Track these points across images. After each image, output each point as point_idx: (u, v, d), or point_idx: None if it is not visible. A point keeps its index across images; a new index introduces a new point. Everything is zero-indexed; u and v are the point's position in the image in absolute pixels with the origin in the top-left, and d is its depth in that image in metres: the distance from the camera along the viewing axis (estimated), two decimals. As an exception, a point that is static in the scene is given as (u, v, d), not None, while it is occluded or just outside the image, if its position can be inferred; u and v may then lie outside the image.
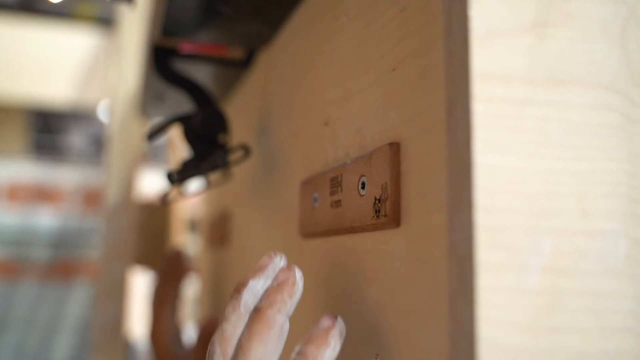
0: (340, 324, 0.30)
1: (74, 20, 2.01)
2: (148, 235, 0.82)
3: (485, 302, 0.23)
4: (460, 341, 0.24)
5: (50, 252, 2.19)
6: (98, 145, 2.53)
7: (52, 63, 1.85)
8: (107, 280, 0.85)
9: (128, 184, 0.86)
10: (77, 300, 2.21)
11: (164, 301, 0.72)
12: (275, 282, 0.31)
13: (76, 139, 2.51)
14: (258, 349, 0.30)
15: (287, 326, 0.30)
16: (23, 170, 2.20)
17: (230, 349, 0.31)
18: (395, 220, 0.29)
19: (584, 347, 0.24)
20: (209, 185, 0.58)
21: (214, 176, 0.56)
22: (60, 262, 2.20)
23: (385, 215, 0.30)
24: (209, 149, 0.52)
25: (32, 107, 2.25)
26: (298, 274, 0.31)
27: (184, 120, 0.53)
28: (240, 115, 0.64)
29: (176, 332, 0.73)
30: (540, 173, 0.24)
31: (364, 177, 0.33)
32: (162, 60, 0.56)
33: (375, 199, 0.31)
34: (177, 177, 0.51)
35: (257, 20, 0.49)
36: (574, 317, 0.24)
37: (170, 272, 0.73)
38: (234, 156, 0.52)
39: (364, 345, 0.32)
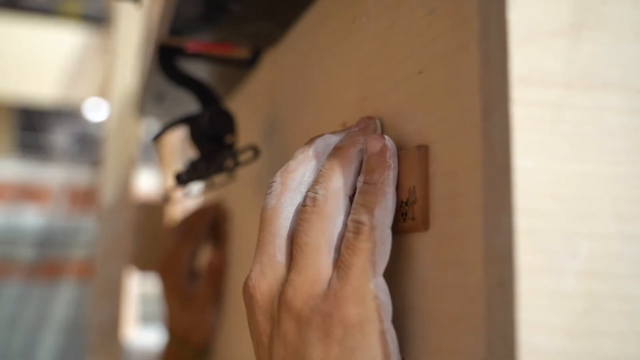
0: (389, 141, 0.32)
1: (60, 18, 1.99)
2: (145, 235, 0.81)
3: (525, 305, 0.23)
4: (498, 345, 0.24)
5: (36, 251, 2.16)
6: (84, 144, 2.51)
7: (37, 61, 1.83)
8: (103, 281, 0.84)
9: (124, 183, 0.85)
10: (63, 300, 2.18)
11: (191, 233, 0.72)
12: (358, 127, 0.33)
13: (61, 137, 2.48)
14: (339, 180, 0.31)
15: None
16: (8, 168, 2.17)
17: (290, 182, 0.33)
18: (424, 223, 0.29)
19: (621, 350, 0.24)
20: (213, 186, 0.58)
21: (219, 177, 0.55)
22: (45, 261, 2.18)
23: (413, 219, 0.30)
24: (216, 149, 0.52)
25: (17, 105, 2.22)
26: (379, 122, 0.34)
27: (191, 121, 0.53)
28: (245, 115, 0.63)
29: (191, 270, 0.73)
30: (576, 176, 0.24)
31: (388, 180, 0.32)
32: (167, 59, 0.55)
33: (402, 202, 0.31)
34: (186, 178, 0.50)
35: (267, 20, 0.49)
36: (610, 320, 0.24)
37: (207, 214, 0.72)
38: (243, 157, 0.52)
39: (388, 348, 0.32)
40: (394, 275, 0.32)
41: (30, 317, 2.13)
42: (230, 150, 0.52)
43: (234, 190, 0.68)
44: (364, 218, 0.29)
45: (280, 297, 0.31)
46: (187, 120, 0.53)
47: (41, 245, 2.17)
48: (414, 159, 0.30)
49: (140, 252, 0.82)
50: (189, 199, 0.71)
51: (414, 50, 0.31)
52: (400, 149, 0.32)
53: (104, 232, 0.83)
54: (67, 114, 2.40)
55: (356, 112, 0.38)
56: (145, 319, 1.24)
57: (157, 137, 0.53)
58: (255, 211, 0.61)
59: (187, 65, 0.59)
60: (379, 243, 0.29)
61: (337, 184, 0.31)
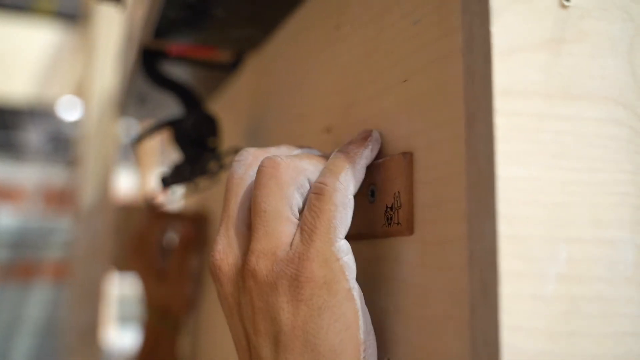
0: (375, 133, 0.33)
1: (33, 15, 1.96)
2: (125, 236, 0.81)
3: (507, 309, 0.24)
4: (482, 347, 0.25)
5: (10, 252, 2.13)
6: (58, 143, 2.48)
7: (10, 58, 1.80)
8: (81, 282, 0.84)
9: (104, 184, 0.84)
10: (37, 302, 2.15)
11: (160, 213, 0.73)
12: (359, 137, 0.34)
13: (35, 136, 2.45)
14: (305, 159, 0.33)
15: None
16: (-20, 168, 2.14)
17: (262, 155, 0.34)
18: (408, 228, 0.30)
19: (598, 350, 0.25)
20: (196, 189, 0.58)
21: (202, 180, 0.55)
22: (20, 262, 2.15)
23: (398, 223, 0.31)
24: (200, 152, 0.52)
25: (-10, 104, 2.18)
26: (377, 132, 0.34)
27: (175, 124, 0.53)
28: (226, 118, 0.64)
29: (163, 248, 0.73)
30: (556, 184, 0.25)
31: (373, 186, 0.33)
32: (151, 62, 0.55)
33: (387, 207, 0.32)
34: (171, 180, 0.50)
35: (250, 25, 0.49)
36: (589, 322, 0.25)
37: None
38: (227, 160, 0.52)
39: (373, 349, 0.33)
40: (378, 277, 0.33)
41: (4, 319, 2.10)
42: (213, 153, 0.52)
43: (216, 193, 0.68)
44: (329, 180, 0.30)
45: (244, 266, 0.31)
46: (171, 124, 0.53)
47: (15, 246, 2.14)
48: (399, 165, 0.31)
49: (120, 253, 0.82)
50: (172, 201, 0.71)
51: (399, 59, 0.32)
52: (385, 155, 0.33)
53: (82, 233, 0.83)
54: (41, 112, 2.37)
55: (341, 118, 0.38)
56: (124, 320, 1.24)
57: (141, 140, 0.53)
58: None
59: (169, 68, 0.59)
60: (340, 207, 0.30)
61: (302, 160, 0.32)
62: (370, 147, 0.32)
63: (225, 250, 0.33)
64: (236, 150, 0.51)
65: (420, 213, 0.30)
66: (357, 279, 0.36)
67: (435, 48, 0.29)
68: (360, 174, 0.31)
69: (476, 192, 0.26)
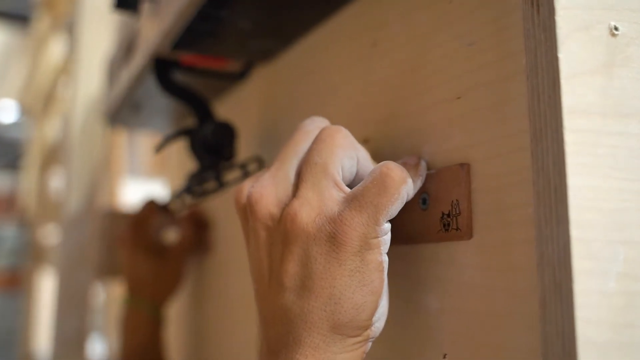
0: (423, 162, 0.36)
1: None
2: (111, 244, 0.81)
3: (580, 304, 0.27)
4: (555, 339, 0.28)
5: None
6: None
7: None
8: (67, 292, 0.83)
9: (90, 192, 0.83)
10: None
11: (162, 207, 0.72)
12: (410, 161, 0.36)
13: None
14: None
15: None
16: None
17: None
18: (467, 233, 0.33)
19: (652, 339, 0.28)
20: (205, 195, 0.59)
21: (211, 185, 0.57)
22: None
23: (457, 229, 0.33)
24: (216, 160, 0.54)
25: None
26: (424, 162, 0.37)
27: (191, 133, 0.54)
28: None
29: (158, 239, 0.73)
30: (613, 192, 0.29)
31: (424, 194, 0.36)
32: (163, 72, 0.56)
33: (443, 214, 0.34)
34: (198, 190, 0.51)
35: (271, 37, 0.51)
36: (643, 314, 0.28)
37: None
38: (250, 167, 0.54)
39: (428, 346, 0.36)
40: (431, 279, 0.36)
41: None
42: (229, 161, 0.54)
43: (219, 200, 0.69)
44: (405, 173, 0.33)
45: (287, 208, 0.34)
46: (188, 132, 0.54)
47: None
48: (456, 175, 0.33)
49: (106, 261, 0.81)
50: (185, 209, 0.71)
51: (450, 77, 0.35)
52: (435, 166, 0.36)
53: (68, 241, 0.82)
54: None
55: (379, 130, 0.41)
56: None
57: (160, 149, 0.54)
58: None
59: (176, 77, 0.60)
60: (402, 200, 0.33)
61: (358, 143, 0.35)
62: (421, 177, 0.36)
63: (268, 186, 0.35)
64: (258, 159, 0.53)
65: (479, 219, 0.33)
66: (404, 282, 0.38)
67: (493, 69, 0.32)
68: (413, 192, 0.34)
69: (545, 200, 0.29)
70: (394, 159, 0.39)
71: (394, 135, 0.40)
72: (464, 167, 0.33)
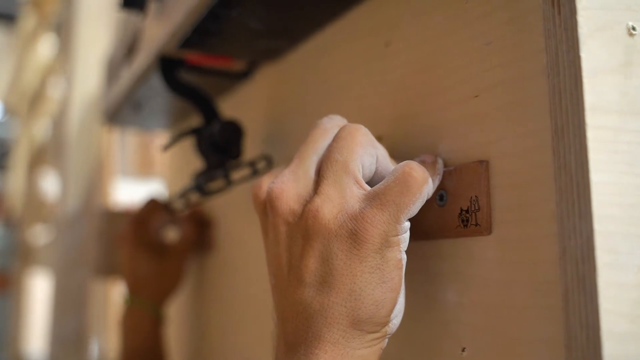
0: (440, 160, 0.37)
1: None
2: (110, 243, 0.80)
3: (604, 296, 0.28)
4: (579, 330, 0.29)
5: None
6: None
7: None
8: (64, 292, 0.82)
9: (88, 191, 0.83)
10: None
11: (165, 206, 0.72)
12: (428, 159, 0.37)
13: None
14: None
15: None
16: None
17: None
18: (487, 228, 0.33)
19: (669, 330, 0.29)
20: (210, 194, 0.59)
21: (219, 184, 0.57)
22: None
23: (476, 225, 0.34)
24: (223, 159, 0.54)
25: None
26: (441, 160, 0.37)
27: (198, 132, 0.54)
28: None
29: (158, 238, 0.72)
30: (631, 187, 0.29)
31: (442, 191, 0.36)
32: (169, 71, 0.56)
33: (462, 210, 0.35)
34: (206, 189, 0.52)
35: (280, 37, 0.52)
36: (660, 306, 0.29)
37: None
38: (259, 166, 0.54)
39: (446, 340, 0.36)
40: (448, 274, 0.37)
41: None
42: (236, 159, 0.54)
43: (220, 199, 0.69)
44: (426, 174, 0.33)
45: (308, 205, 0.34)
46: (195, 131, 0.54)
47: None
48: (475, 172, 0.34)
49: (104, 260, 0.81)
50: (187, 207, 0.71)
51: (468, 76, 0.36)
52: (451, 163, 0.36)
53: (66, 241, 0.81)
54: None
55: (393, 128, 0.42)
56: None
57: (168, 147, 0.54)
58: (244, 221, 0.63)
59: (181, 76, 0.60)
60: (423, 199, 0.33)
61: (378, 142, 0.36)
62: (438, 175, 0.36)
63: (289, 182, 0.35)
64: (267, 158, 0.53)
65: (498, 215, 0.33)
66: (422, 277, 0.39)
67: (511, 68, 0.33)
68: (431, 191, 0.35)
69: (568, 195, 0.29)
70: (409, 156, 0.39)
71: (409, 133, 0.40)
72: (483, 164, 0.34)
